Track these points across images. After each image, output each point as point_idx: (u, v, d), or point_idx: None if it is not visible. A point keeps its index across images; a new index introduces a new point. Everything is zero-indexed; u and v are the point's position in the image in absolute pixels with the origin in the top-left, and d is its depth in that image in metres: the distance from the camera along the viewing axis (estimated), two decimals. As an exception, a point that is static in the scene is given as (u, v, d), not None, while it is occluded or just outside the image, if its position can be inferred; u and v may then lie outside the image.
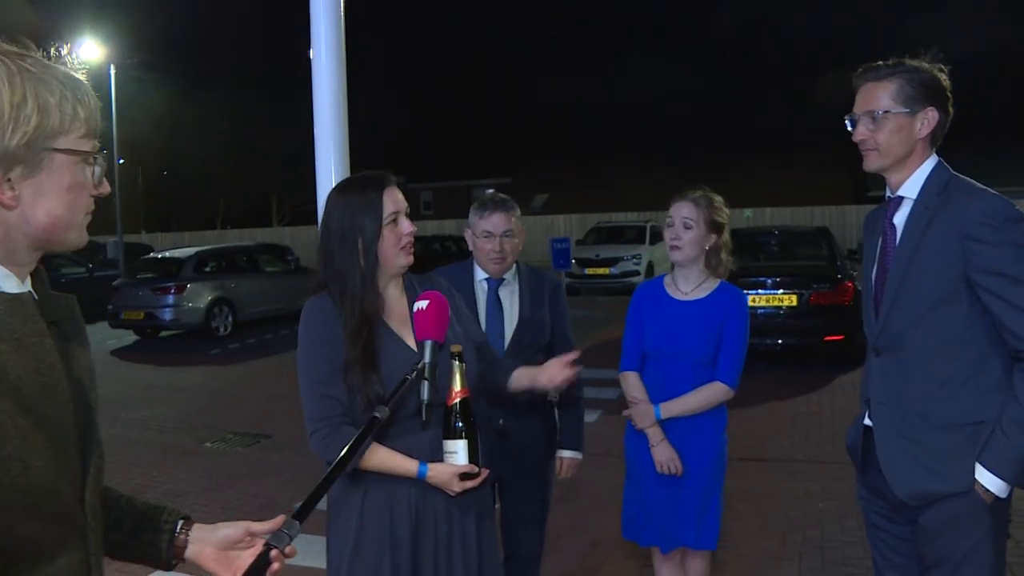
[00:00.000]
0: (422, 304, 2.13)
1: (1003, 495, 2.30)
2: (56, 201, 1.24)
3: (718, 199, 3.33)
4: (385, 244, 2.34)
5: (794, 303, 10.11)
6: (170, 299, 14.45)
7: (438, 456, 2.29)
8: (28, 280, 1.26)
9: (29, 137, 1.19)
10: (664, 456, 3.21)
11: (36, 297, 1.26)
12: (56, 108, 1.21)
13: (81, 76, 1.27)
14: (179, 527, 1.53)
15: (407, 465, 2.28)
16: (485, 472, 2.30)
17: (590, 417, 7.69)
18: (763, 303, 10.12)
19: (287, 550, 1.43)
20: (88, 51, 26.63)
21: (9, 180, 1.19)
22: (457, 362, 2.26)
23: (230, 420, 8.88)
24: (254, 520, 1.59)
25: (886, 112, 2.41)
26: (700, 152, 44.93)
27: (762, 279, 10.24)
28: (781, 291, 10.16)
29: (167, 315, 14.44)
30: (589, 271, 20.60)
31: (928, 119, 2.41)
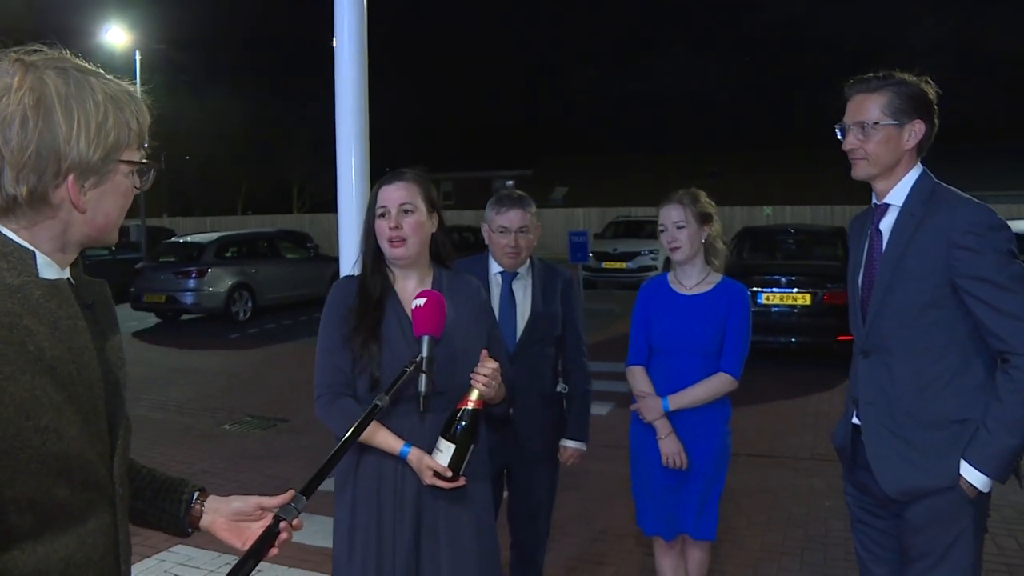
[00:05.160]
0: (419, 302, 2.26)
1: (986, 490, 2.40)
2: (112, 205, 1.39)
3: (701, 193, 3.46)
4: (377, 234, 2.59)
5: (808, 302, 10.14)
6: (191, 283, 14.64)
7: (431, 440, 2.42)
8: (68, 270, 1.39)
9: (106, 151, 1.33)
10: (671, 449, 3.32)
11: (73, 283, 1.39)
12: (125, 124, 1.36)
13: (136, 91, 1.41)
14: (195, 498, 1.67)
15: (393, 444, 2.46)
16: (461, 481, 2.41)
17: (602, 409, 7.78)
18: (777, 301, 10.17)
19: (295, 522, 1.55)
20: (115, 36, 26.90)
21: (83, 187, 1.33)
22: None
23: (248, 403, 9.04)
24: (265, 495, 1.71)
25: (876, 123, 2.51)
26: (722, 149, 44.88)
27: (776, 277, 10.26)
28: (795, 290, 10.18)
29: (188, 299, 14.63)
30: (606, 265, 20.64)
31: (915, 131, 2.52)
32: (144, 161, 1.42)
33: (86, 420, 1.31)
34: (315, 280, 17.44)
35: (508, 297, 3.40)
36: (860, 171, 2.59)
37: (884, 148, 2.52)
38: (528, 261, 3.47)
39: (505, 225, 3.37)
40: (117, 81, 1.38)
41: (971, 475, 2.38)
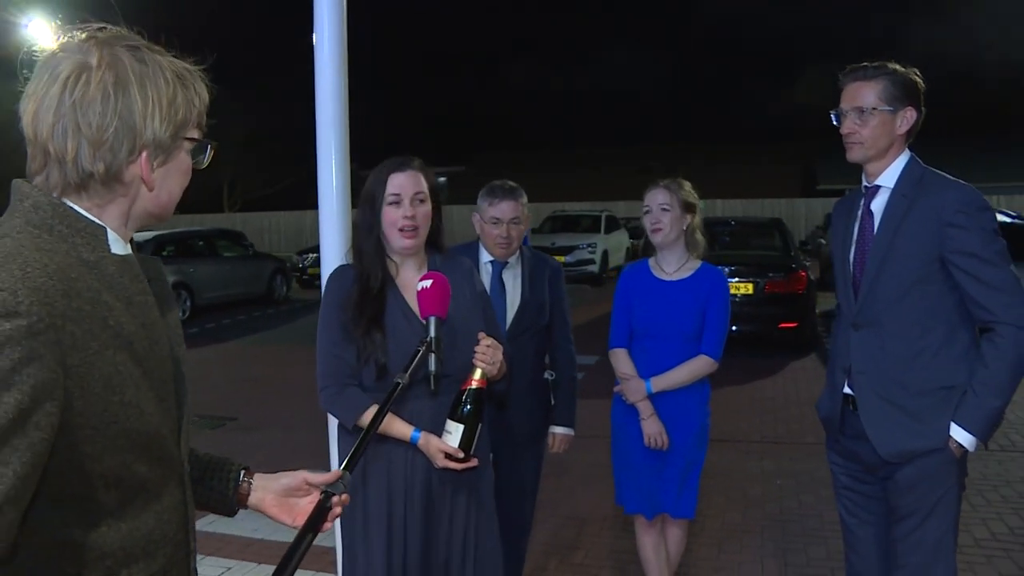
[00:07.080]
0: (425, 283, 2.28)
1: (972, 449, 2.61)
2: (175, 182, 1.41)
3: (687, 183, 3.59)
4: (385, 221, 2.57)
5: (750, 291, 10.42)
6: (128, 283, 14.29)
7: (439, 423, 2.46)
8: (128, 245, 1.39)
9: (176, 128, 1.35)
10: (653, 430, 3.42)
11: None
12: (190, 102, 1.37)
13: (195, 69, 1.41)
14: (242, 476, 1.67)
15: (403, 430, 2.48)
16: (473, 462, 2.45)
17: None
18: (719, 291, 10.37)
19: (343, 498, 1.59)
20: (36, 28, 26.04)
21: (153, 165, 1.34)
22: None
23: (195, 403, 8.64)
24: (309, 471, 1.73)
25: (873, 109, 2.69)
26: (654, 144, 45.55)
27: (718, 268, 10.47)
28: (737, 280, 10.42)
29: (124, 299, 14.28)
30: (545, 259, 20.67)
31: (907, 117, 2.71)
32: (203, 139, 1.44)
33: (159, 396, 1.33)
34: (253, 278, 17.20)
35: (498, 286, 3.46)
36: (856, 154, 2.76)
37: (879, 132, 2.69)
38: (518, 251, 3.53)
39: (497, 216, 3.42)
40: (178, 60, 1.39)
41: (960, 436, 2.58)
